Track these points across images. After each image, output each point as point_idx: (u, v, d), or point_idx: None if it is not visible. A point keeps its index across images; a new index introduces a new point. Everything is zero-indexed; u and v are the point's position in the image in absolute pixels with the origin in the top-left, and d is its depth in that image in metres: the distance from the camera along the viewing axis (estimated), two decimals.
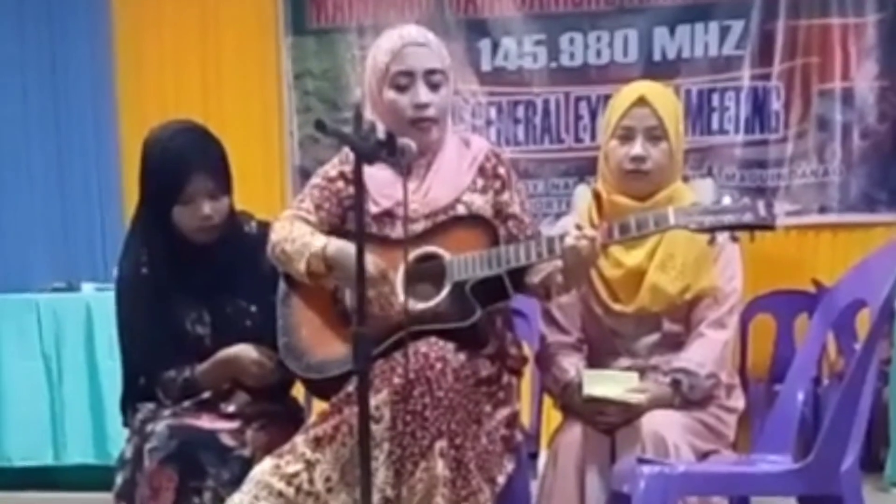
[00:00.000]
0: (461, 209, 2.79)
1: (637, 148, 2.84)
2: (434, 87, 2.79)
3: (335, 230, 2.82)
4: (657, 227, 2.60)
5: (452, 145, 2.89)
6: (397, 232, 2.75)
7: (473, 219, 2.77)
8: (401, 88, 2.78)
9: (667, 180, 2.89)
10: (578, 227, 2.65)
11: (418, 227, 2.76)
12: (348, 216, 2.85)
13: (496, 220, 2.80)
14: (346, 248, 2.62)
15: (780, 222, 5.10)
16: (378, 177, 2.76)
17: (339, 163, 2.90)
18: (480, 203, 2.81)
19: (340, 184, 2.87)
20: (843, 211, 5.46)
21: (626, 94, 2.90)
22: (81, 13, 6.15)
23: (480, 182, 2.85)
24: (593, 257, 2.64)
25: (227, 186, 2.88)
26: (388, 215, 2.79)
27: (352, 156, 2.34)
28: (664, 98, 2.93)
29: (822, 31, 5.46)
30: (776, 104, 5.50)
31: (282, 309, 2.83)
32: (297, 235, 2.76)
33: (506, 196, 2.86)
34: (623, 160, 2.85)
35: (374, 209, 2.79)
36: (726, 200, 2.57)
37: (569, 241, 2.59)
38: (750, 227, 2.54)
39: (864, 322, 2.61)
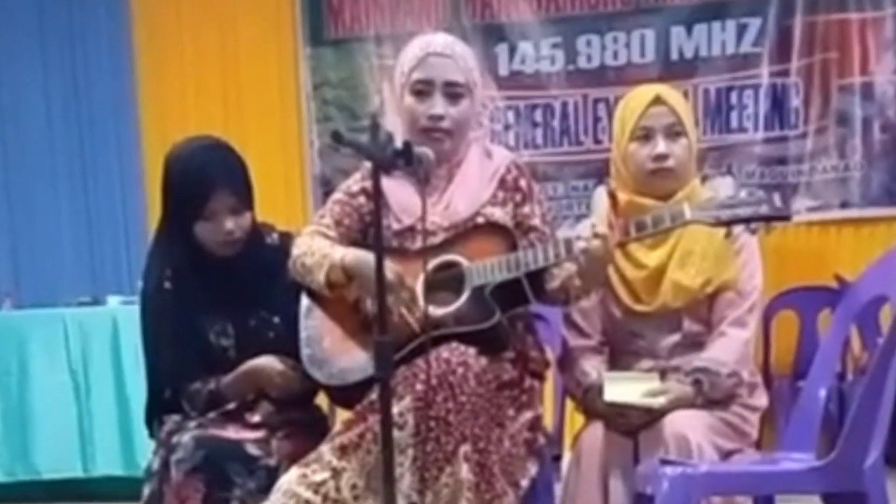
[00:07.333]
0: (481, 221, 2.79)
1: (660, 146, 2.83)
2: (453, 98, 2.78)
3: (355, 245, 2.82)
4: (673, 222, 2.61)
5: (474, 157, 2.89)
6: (417, 245, 2.75)
7: (491, 227, 2.77)
8: (419, 96, 2.79)
9: (687, 178, 2.89)
10: (593, 227, 2.66)
11: (437, 239, 2.76)
12: (369, 231, 2.84)
13: (517, 231, 2.80)
14: (365, 256, 2.63)
15: (801, 218, 5.22)
16: (399, 194, 2.78)
17: (360, 178, 2.91)
18: (500, 215, 2.81)
19: (362, 199, 2.88)
20: (864, 206, 5.44)
21: (641, 96, 2.89)
22: (102, 30, 6.23)
23: (501, 195, 2.85)
24: (608, 256, 2.64)
25: (249, 201, 2.90)
26: (409, 230, 2.79)
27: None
28: (677, 96, 2.95)
29: (840, 26, 5.45)
30: (795, 100, 5.48)
31: (305, 322, 2.84)
32: (316, 248, 2.78)
33: (526, 209, 2.85)
34: (645, 161, 2.85)
35: (395, 226, 2.80)
36: (742, 194, 2.58)
37: (580, 244, 2.60)
38: (766, 219, 2.54)
39: (887, 316, 2.61)
